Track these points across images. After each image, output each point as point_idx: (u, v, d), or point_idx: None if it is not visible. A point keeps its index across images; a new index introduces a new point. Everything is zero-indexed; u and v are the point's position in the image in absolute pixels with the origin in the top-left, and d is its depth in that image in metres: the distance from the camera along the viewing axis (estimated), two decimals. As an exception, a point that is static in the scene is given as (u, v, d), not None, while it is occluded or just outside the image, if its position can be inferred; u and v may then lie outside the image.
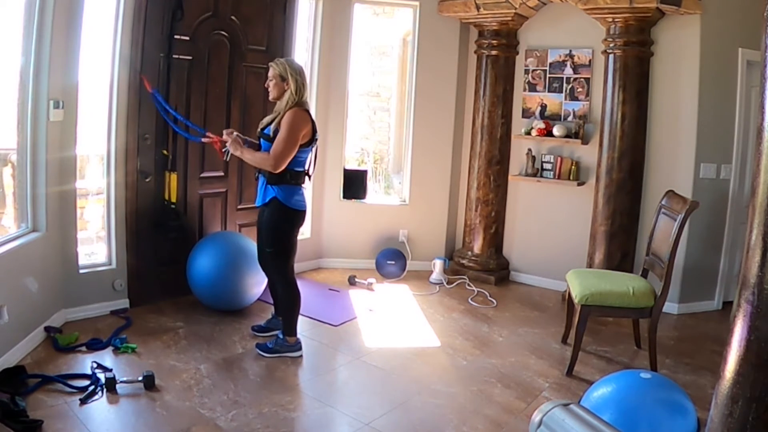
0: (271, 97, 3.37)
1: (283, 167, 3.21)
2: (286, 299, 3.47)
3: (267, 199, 3.31)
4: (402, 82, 6.19)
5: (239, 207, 4.54)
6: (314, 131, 3.33)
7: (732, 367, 1.21)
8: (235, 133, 3.39)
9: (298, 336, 3.51)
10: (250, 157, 3.32)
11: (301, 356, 3.46)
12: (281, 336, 3.47)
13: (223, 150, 3.47)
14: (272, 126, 3.28)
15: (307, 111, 3.32)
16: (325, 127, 5.13)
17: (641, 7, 4.12)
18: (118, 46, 3.70)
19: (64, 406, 2.73)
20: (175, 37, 3.94)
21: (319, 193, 5.23)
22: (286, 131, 3.18)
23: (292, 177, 3.29)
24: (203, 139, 3.68)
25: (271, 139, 3.26)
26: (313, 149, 3.40)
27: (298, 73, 3.29)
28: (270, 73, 3.33)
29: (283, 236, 3.36)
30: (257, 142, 3.44)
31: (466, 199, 5.33)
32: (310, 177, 3.45)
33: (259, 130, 3.41)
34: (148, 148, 3.94)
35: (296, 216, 3.36)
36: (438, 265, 5.07)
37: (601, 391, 2.58)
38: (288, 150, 3.19)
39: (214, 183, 4.37)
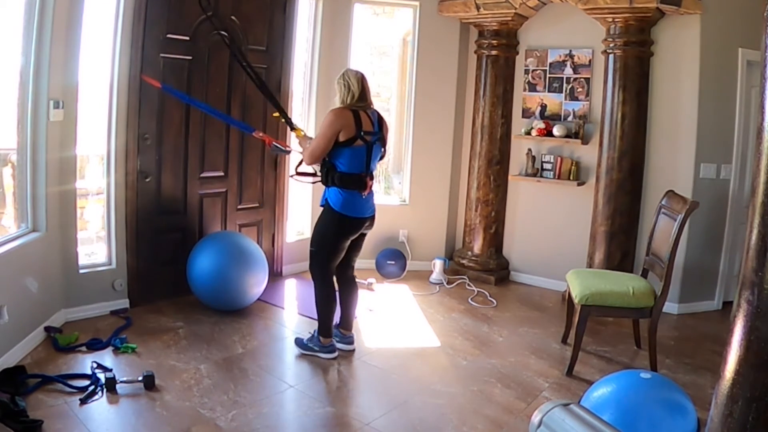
0: None
1: (312, 162, 3.32)
2: (318, 299, 3.47)
3: (323, 201, 3.36)
4: (402, 82, 6.18)
5: (239, 207, 4.54)
6: (359, 130, 3.18)
7: (732, 367, 1.21)
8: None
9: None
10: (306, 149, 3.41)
11: (334, 358, 3.45)
12: (316, 334, 3.50)
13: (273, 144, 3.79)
14: None
15: (352, 110, 3.20)
16: (325, 127, 5.13)
17: (641, 7, 4.12)
18: (118, 46, 3.70)
19: (64, 406, 2.73)
20: (175, 37, 3.94)
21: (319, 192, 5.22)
22: (319, 128, 3.29)
23: (339, 180, 3.22)
24: (254, 134, 3.90)
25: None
26: (366, 150, 3.23)
27: (342, 78, 3.29)
28: None
29: (326, 239, 3.34)
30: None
31: (466, 199, 5.33)
32: (372, 178, 3.31)
33: None
34: (148, 148, 3.94)
35: (344, 221, 3.28)
36: (438, 265, 5.07)
37: (601, 391, 2.58)
38: (316, 146, 3.22)
39: (214, 183, 4.37)
